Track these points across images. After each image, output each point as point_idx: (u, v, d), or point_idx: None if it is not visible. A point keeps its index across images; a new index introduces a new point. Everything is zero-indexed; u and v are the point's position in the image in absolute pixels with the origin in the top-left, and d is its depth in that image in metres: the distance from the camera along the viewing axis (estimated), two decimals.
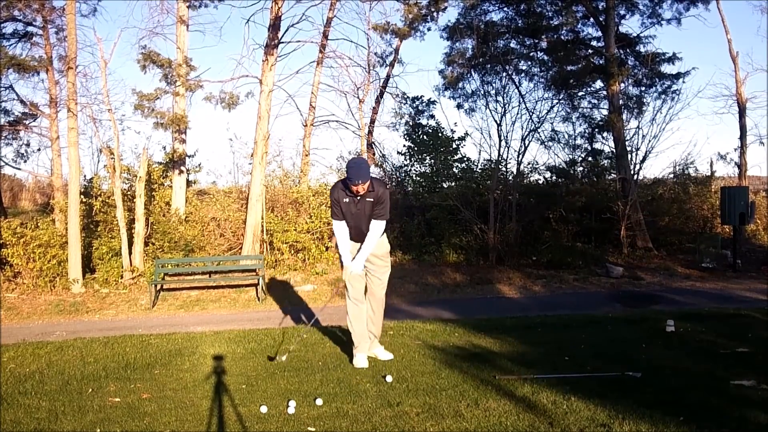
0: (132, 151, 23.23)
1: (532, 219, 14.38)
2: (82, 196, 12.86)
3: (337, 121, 15.86)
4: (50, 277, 11.89)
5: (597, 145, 16.25)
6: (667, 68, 15.62)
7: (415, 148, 16.13)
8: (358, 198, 5.01)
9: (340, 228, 5.17)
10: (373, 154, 16.18)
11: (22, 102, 15.51)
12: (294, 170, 15.49)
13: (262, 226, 13.19)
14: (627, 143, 14.85)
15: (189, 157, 15.30)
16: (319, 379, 4.81)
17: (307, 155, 15.45)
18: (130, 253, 12.37)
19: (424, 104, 16.97)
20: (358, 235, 5.15)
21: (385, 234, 5.30)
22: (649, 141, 14.31)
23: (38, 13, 13.53)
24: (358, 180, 4.85)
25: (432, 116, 16.96)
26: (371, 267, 5.30)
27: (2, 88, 15.09)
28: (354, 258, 5.17)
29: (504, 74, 14.87)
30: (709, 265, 12.82)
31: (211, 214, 13.90)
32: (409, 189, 15.71)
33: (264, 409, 4.04)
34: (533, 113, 14.53)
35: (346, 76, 15.26)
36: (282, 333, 6.92)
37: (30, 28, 15.00)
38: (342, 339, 6.23)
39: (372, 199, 5.02)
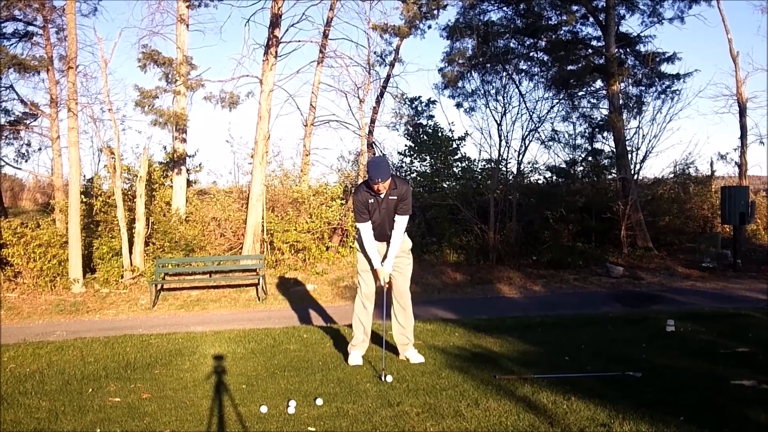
0: (132, 150, 23.30)
1: (532, 219, 14.38)
2: (83, 196, 12.86)
3: (337, 120, 15.86)
4: (50, 277, 11.89)
5: (597, 145, 16.28)
6: (667, 68, 15.65)
7: (415, 148, 16.13)
8: (382, 197, 5.06)
9: (367, 230, 5.15)
10: (373, 154, 16.17)
11: (22, 102, 15.53)
12: (294, 170, 15.49)
13: (263, 225, 13.19)
14: (627, 143, 14.85)
15: (189, 156, 15.32)
16: (319, 379, 4.81)
17: (307, 155, 15.44)
18: (130, 252, 12.37)
19: (423, 105, 16.99)
20: (382, 235, 5.19)
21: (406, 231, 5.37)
22: (650, 141, 14.33)
23: (38, 12, 13.54)
24: (378, 178, 4.89)
25: (431, 116, 17.00)
26: (396, 263, 5.29)
27: (3, 88, 15.12)
28: (384, 258, 5.19)
29: (504, 74, 14.87)
30: (710, 264, 12.81)
31: (212, 214, 13.90)
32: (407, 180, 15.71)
33: (264, 409, 4.04)
34: (533, 113, 14.56)
35: (347, 75, 15.19)
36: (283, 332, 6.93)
37: (30, 28, 15.03)
38: (342, 339, 6.23)
39: (396, 197, 5.08)
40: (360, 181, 5.48)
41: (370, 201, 5.09)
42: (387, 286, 5.21)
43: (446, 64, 16.13)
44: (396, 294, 5.33)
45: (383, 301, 5.33)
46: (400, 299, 5.34)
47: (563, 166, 16.19)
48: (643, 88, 15.85)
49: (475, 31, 14.81)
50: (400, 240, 5.20)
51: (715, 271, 12.52)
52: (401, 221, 5.15)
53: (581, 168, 16.31)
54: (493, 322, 7.15)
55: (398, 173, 16.09)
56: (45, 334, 8.49)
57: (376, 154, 16.07)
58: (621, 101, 15.14)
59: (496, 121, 14.16)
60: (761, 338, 5.74)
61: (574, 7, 15.38)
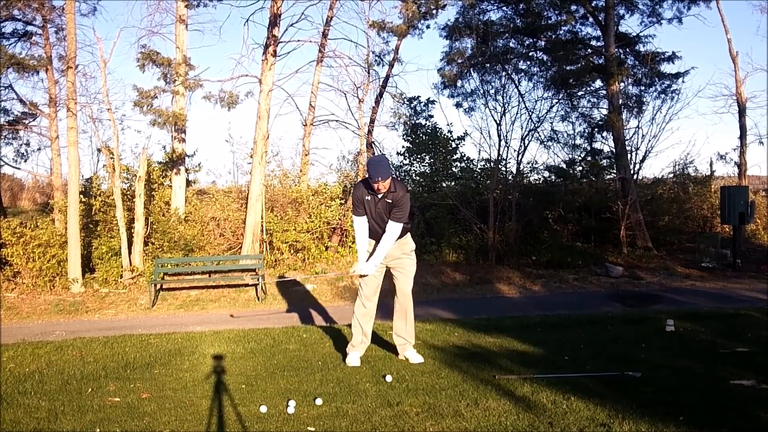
0: (132, 150, 23.23)
1: (532, 219, 14.39)
2: (82, 196, 12.85)
3: (336, 120, 15.84)
4: (50, 277, 11.88)
5: (596, 145, 16.28)
6: (666, 68, 15.66)
7: (414, 149, 16.13)
8: (379, 197, 5.06)
9: (360, 223, 5.19)
10: (373, 154, 16.17)
11: (21, 101, 15.50)
12: (293, 170, 15.47)
13: (262, 225, 13.19)
14: (626, 143, 14.86)
15: (188, 156, 15.30)
16: (318, 379, 4.81)
17: (306, 155, 15.43)
18: (129, 252, 12.36)
19: (422, 105, 17.00)
20: (376, 235, 5.19)
21: (409, 233, 5.36)
22: (649, 140, 14.35)
23: (38, 12, 13.52)
24: (377, 177, 4.89)
25: (431, 116, 17.00)
26: (398, 264, 5.30)
27: (2, 88, 15.09)
28: (368, 258, 5.18)
29: (503, 73, 14.86)
30: (709, 264, 12.82)
31: (211, 214, 13.89)
32: (409, 189, 15.72)
33: (264, 408, 4.04)
34: (533, 113, 14.55)
35: (346, 75, 15.22)
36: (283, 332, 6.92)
37: (29, 28, 14.99)
38: (342, 338, 6.23)
39: (390, 200, 5.05)
40: (360, 180, 5.49)
41: (366, 198, 5.10)
42: (360, 278, 5.25)
43: (445, 64, 16.14)
44: (398, 295, 5.34)
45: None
46: (402, 300, 5.34)
47: (562, 165, 16.20)
48: (643, 88, 15.87)
49: (475, 31, 14.81)
50: (388, 246, 5.10)
51: (714, 270, 12.53)
52: (392, 228, 5.04)
53: (580, 168, 16.32)
54: (493, 322, 7.15)
55: (397, 173, 16.09)
56: (44, 334, 8.48)
57: (376, 154, 16.08)
58: (620, 101, 15.15)
59: (495, 120, 14.17)
60: (761, 338, 5.74)
61: (574, 7, 15.41)
